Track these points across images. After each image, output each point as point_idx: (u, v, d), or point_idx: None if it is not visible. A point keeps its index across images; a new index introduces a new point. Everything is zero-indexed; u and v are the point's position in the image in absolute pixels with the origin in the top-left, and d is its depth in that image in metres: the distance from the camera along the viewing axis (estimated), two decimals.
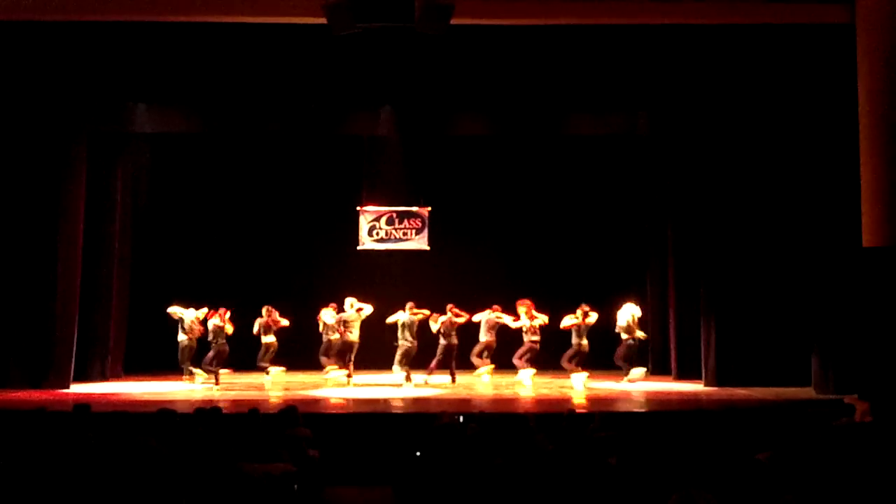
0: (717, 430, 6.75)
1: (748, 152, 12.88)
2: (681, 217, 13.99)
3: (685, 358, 13.74)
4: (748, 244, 12.85)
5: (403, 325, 12.87)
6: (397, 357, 12.81)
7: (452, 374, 13.23)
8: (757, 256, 12.82)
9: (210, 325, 12.85)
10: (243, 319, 13.34)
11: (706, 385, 12.85)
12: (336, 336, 13.17)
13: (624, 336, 13.11)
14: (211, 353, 12.81)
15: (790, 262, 12.65)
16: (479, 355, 13.28)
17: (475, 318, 13.34)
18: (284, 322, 13.27)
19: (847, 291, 11.65)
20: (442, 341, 13.14)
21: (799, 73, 12.23)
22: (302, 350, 13.72)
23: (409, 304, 13.02)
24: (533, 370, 12.99)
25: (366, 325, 13.30)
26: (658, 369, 14.54)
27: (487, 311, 13.36)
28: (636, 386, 12.81)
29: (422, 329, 13.08)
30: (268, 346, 13.14)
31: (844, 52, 11.22)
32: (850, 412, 8.52)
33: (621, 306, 13.24)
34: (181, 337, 12.88)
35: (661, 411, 10.37)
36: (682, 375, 13.71)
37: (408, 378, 12.75)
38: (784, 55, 12.19)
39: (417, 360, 13.09)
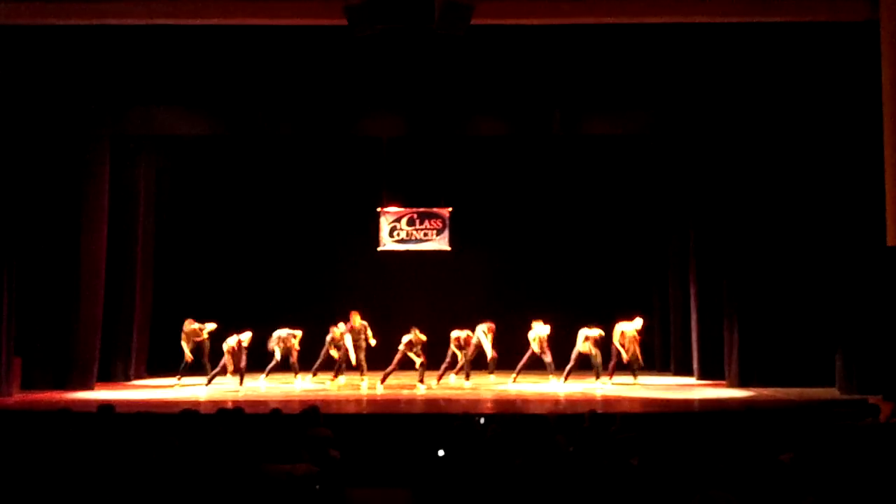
0: (739, 431, 6.70)
1: (770, 152, 12.79)
2: (702, 217, 13.93)
3: (708, 358, 13.68)
4: (770, 243, 12.75)
5: (411, 342, 12.82)
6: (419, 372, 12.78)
7: (467, 374, 13.23)
8: (779, 256, 12.72)
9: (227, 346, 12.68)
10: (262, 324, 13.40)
11: (729, 385, 12.78)
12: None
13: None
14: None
15: (813, 262, 12.55)
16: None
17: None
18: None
19: (871, 291, 11.54)
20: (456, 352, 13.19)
21: (821, 70, 12.12)
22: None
23: (413, 330, 12.90)
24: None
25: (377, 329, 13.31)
26: (680, 370, 14.49)
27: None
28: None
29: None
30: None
31: (867, 49, 11.10)
32: (874, 413, 8.46)
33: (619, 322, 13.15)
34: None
35: (684, 412, 10.31)
36: (704, 376, 13.65)
37: (421, 380, 12.74)
38: (806, 52, 12.08)
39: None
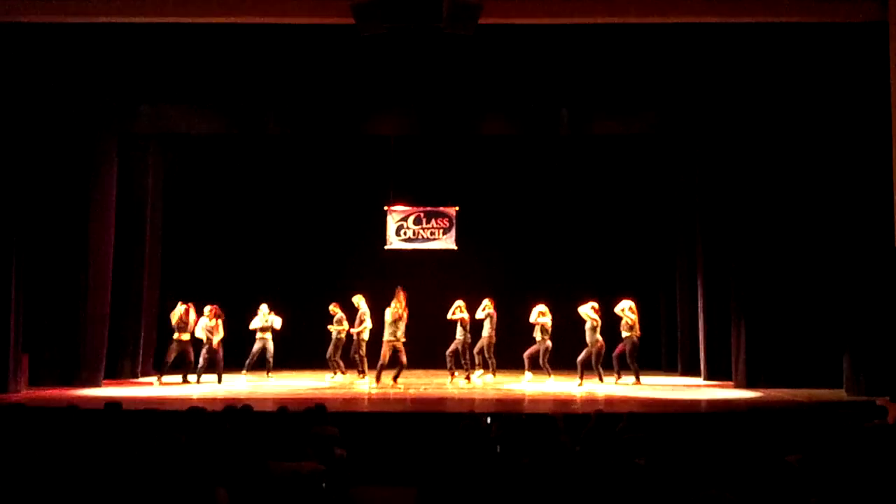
0: (746, 432, 6.69)
1: (778, 152, 12.77)
2: (709, 217, 13.90)
3: (715, 359, 13.66)
4: (778, 244, 12.74)
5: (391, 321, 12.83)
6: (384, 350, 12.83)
7: (467, 370, 13.22)
8: (787, 257, 12.71)
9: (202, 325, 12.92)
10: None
11: (736, 386, 12.76)
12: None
13: (626, 334, 13.01)
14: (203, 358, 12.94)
15: (821, 263, 12.53)
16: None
17: (477, 316, 13.38)
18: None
19: (878, 292, 11.52)
20: (459, 336, 13.22)
21: (830, 71, 12.09)
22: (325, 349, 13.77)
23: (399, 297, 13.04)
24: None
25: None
26: (687, 370, 14.47)
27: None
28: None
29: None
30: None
31: (876, 50, 11.06)
32: (881, 414, 8.41)
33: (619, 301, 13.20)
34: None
35: (691, 412, 10.29)
36: (711, 376, 13.63)
37: (394, 378, 12.75)
38: (815, 52, 12.03)
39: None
